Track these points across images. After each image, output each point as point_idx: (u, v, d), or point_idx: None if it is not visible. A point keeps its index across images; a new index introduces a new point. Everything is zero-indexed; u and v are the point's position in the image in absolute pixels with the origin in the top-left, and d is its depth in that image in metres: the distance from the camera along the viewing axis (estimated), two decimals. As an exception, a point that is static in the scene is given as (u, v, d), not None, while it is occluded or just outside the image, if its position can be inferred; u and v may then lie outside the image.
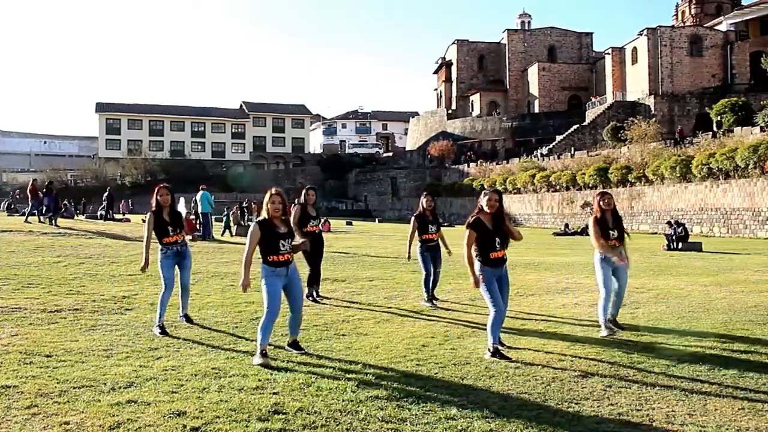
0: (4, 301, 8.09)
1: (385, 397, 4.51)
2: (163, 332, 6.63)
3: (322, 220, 31.85)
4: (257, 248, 5.62)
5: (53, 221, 21.67)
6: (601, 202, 6.92)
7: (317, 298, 9.08)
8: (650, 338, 6.67)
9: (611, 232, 6.86)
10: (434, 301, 8.90)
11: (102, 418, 4.00)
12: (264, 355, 5.49)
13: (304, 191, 9.02)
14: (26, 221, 21.69)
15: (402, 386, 4.80)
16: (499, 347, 5.85)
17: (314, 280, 9.19)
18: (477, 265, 5.85)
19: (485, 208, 5.83)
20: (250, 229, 5.71)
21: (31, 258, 12.43)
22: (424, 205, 8.88)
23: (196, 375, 5.02)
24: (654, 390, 4.83)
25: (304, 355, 5.75)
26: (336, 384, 4.82)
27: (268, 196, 5.66)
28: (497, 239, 5.82)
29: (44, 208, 22.48)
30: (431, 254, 8.88)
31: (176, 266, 7.10)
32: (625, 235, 7.05)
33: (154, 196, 7.02)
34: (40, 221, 22.06)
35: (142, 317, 7.38)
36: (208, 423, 3.95)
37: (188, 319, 7.25)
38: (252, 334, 6.66)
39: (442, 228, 9.16)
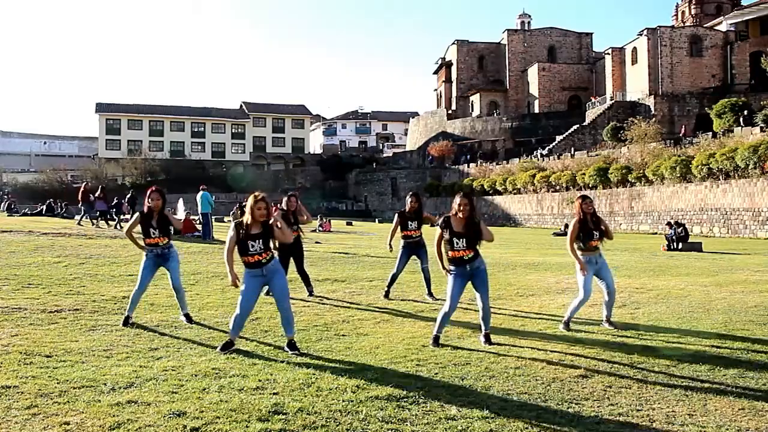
0: (4, 301, 8.09)
1: (386, 398, 4.51)
2: (125, 323, 6.94)
3: (325, 220, 31.84)
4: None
5: (116, 225, 22.34)
6: (583, 205, 7.09)
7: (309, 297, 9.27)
8: (650, 338, 6.67)
9: (594, 233, 7.05)
10: (432, 297, 9.23)
11: (102, 419, 4.00)
12: (227, 345, 5.84)
13: (285, 198, 9.45)
14: (79, 224, 22.33)
15: (402, 386, 4.80)
16: (439, 336, 6.37)
17: (304, 281, 9.48)
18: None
19: (458, 214, 6.24)
20: (229, 231, 5.97)
21: (31, 258, 12.43)
22: (409, 205, 9.20)
23: (196, 375, 5.02)
24: (654, 390, 4.83)
25: (304, 356, 5.75)
26: (336, 384, 4.82)
27: (252, 200, 5.83)
28: (456, 240, 6.21)
29: (98, 213, 23.22)
30: (412, 251, 9.24)
31: (162, 268, 7.27)
32: (604, 238, 7.21)
33: (146, 198, 7.08)
34: (92, 224, 22.57)
35: (142, 317, 7.37)
36: (208, 423, 3.95)
37: (188, 318, 7.26)
38: (252, 334, 6.67)
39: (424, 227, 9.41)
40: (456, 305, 6.35)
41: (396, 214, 9.30)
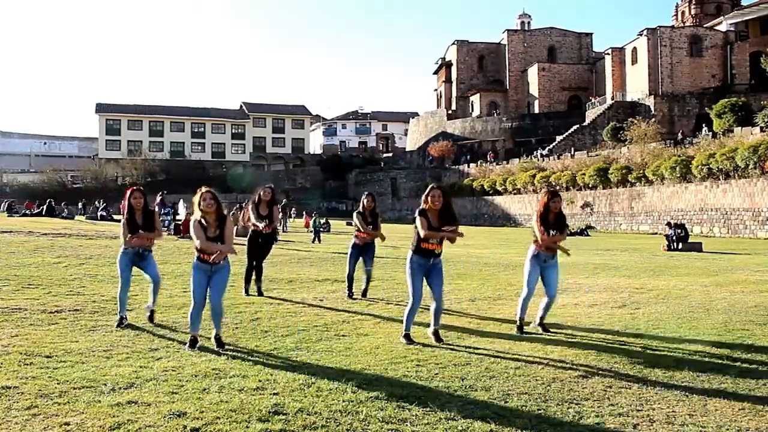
0: (4, 301, 8.09)
1: (386, 398, 4.51)
2: (120, 324, 6.90)
3: (322, 221, 31.87)
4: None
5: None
6: (551, 203, 6.85)
7: (252, 293, 9.24)
8: (650, 338, 6.67)
9: (551, 231, 6.84)
10: (362, 297, 9.27)
11: (102, 419, 4.00)
12: (192, 343, 5.90)
13: (261, 189, 9.48)
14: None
15: (402, 387, 4.80)
16: (410, 333, 6.35)
17: (256, 275, 9.42)
18: (409, 253, 6.32)
19: (429, 204, 6.22)
20: (192, 224, 6.00)
21: (31, 259, 12.43)
22: (365, 204, 9.27)
23: (196, 376, 5.02)
24: (654, 390, 4.83)
25: (304, 356, 5.75)
26: (336, 384, 4.82)
27: (198, 194, 5.92)
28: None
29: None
30: (362, 251, 9.37)
31: (139, 267, 7.22)
32: (564, 234, 7.01)
33: (127, 199, 7.07)
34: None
35: (142, 318, 7.36)
36: (208, 424, 3.95)
37: (151, 316, 7.23)
38: (252, 334, 6.67)
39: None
40: (421, 298, 6.35)
41: (357, 214, 9.32)
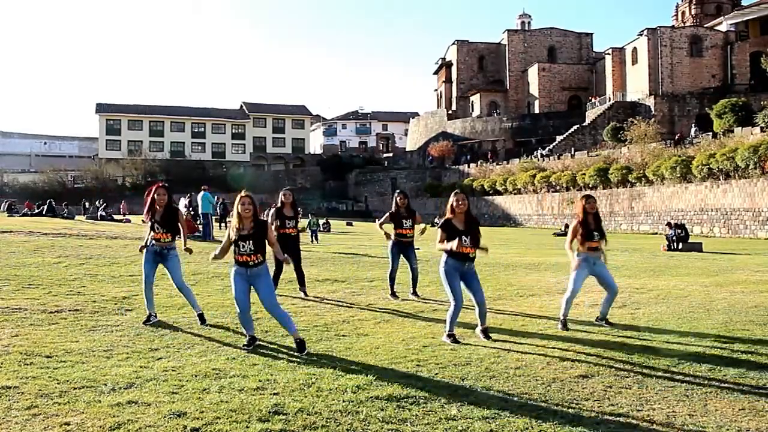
0: (4, 301, 8.10)
1: (386, 398, 4.52)
2: (147, 321, 7.05)
3: (322, 221, 31.84)
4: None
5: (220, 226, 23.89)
6: (587, 205, 7.13)
7: (305, 297, 9.31)
8: (650, 338, 6.67)
9: (595, 233, 7.12)
10: (415, 296, 9.42)
11: (102, 419, 4.01)
12: (250, 342, 6.05)
13: (281, 193, 9.61)
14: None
15: (402, 387, 4.80)
16: (455, 334, 6.48)
17: (298, 279, 9.57)
18: (443, 257, 6.48)
19: (455, 209, 6.46)
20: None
21: (32, 258, 12.43)
22: (398, 203, 9.32)
23: (196, 376, 5.03)
24: (654, 390, 4.83)
25: (305, 356, 5.76)
26: (336, 385, 4.82)
27: (238, 198, 6.05)
28: (464, 238, 6.38)
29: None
30: (403, 250, 9.36)
31: (161, 266, 7.27)
32: (604, 239, 7.30)
33: (151, 194, 7.05)
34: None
35: (142, 318, 7.37)
36: (208, 424, 3.96)
37: (201, 319, 7.19)
38: (252, 334, 6.67)
39: (419, 224, 9.53)
40: (462, 299, 6.48)
41: (387, 214, 9.41)
